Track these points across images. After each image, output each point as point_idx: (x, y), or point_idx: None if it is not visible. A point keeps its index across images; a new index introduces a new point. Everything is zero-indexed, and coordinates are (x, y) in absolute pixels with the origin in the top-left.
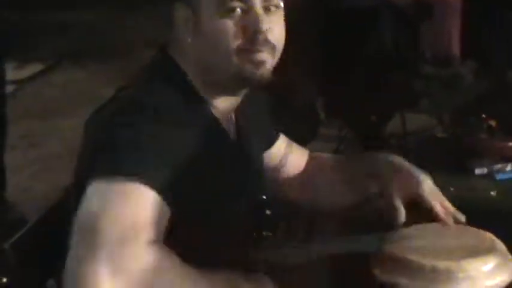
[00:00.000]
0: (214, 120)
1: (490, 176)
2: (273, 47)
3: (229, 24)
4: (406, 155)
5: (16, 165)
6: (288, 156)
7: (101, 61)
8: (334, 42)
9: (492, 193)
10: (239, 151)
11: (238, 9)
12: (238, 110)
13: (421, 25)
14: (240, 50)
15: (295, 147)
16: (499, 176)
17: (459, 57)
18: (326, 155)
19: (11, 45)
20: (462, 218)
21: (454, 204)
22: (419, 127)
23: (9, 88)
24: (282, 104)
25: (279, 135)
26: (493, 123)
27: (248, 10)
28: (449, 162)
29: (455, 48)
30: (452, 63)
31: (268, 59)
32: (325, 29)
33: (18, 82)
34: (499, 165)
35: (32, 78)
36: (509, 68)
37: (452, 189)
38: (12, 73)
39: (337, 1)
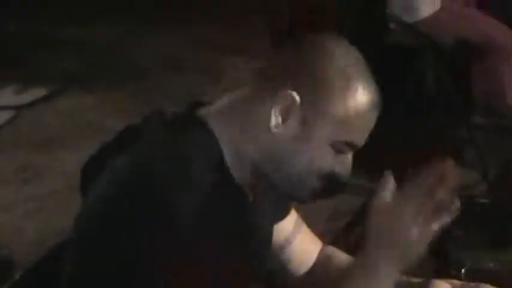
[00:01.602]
0: (244, 199)
1: None
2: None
3: (332, 159)
4: None
5: (8, 203)
6: (295, 235)
7: (111, 86)
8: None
9: None
10: (254, 216)
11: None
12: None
13: (471, 69)
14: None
15: (306, 229)
16: None
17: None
18: (347, 257)
19: (11, 64)
20: None
21: (492, 282)
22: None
23: (6, 115)
24: None
25: (290, 209)
26: None
27: (348, 153)
28: (490, 232)
29: (510, 97)
30: (505, 113)
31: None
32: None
33: (17, 108)
34: None
35: (33, 104)
36: None
37: (491, 264)
38: (11, 98)
39: (378, 37)
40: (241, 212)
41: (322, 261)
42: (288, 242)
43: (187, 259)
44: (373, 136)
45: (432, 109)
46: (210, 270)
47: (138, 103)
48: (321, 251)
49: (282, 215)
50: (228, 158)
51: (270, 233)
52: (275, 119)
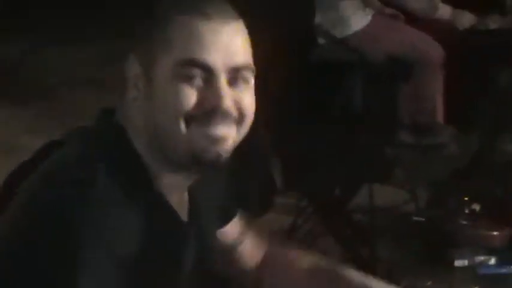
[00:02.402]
0: (161, 199)
1: (471, 269)
2: (237, 121)
3: (186, 91)
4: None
5: None
6: (246, 234)
7: (18, 104)
8: (297, 98)
9: None
10: (188, 232)
11: (198, 78)
12: (195, 184)
13: (400, 87)
14: (193, 120)
15: (252, 233)
16: (481, 270)
17: (442, 125)
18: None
19: None
20: None
21: None
22: (389, 202)
23: None
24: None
25: (236, 211)
26: (476, 207)
27: (211, 81)
28: (426, 250)
29: (439, 115)
30: (434, 131)
31: (230, 135)
32: (287, 82)
33: None
34: (481, 257)
35: None
36: (497, 136)
37: (429, 283)
38: None
39: (304, 52)
40: (167, 220)
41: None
42: (239, 241)
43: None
44: (302, 153)
45: (360, 127)
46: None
47: (49, 121)
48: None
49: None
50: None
51: (213, 241)
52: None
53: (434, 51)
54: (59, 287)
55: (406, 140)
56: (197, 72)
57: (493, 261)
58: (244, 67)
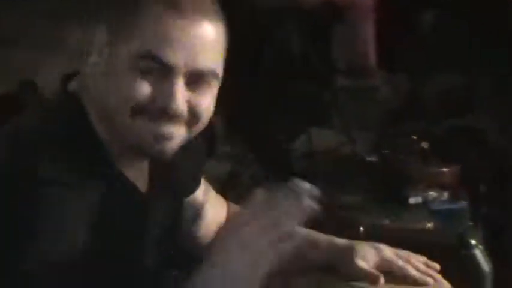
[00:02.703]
0: (117, 172)
1: (425, 206)
2: (188, 123)
3: (139, 84)
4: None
5: None
6: (205, 205)
7: None
8: (234, 46)
9: (429, 225)
10: (149, 204)
11: (155, 73)
12: None
13: (333, 32)
14: (142, 113)
15: (214, 194)
16: (434, 207)
17: (375, 68)
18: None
19: None
20: (436, 266)
21: (388, 239)
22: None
23: None
24: None
25: (201, 180)
26: (425, 145)
27: (167, 79)
28: (380, 190)
29: (372, 59)
30: (367, 74)
31: (177, 135)
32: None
33: None
34: (434, 194)
35: None
36: (427, 78)
37: (387, 221)
38: None
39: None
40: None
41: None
42: (198, 215)
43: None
44: (239, 102)
45: (297, 72)
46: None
47: None
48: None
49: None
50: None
51: (177, 213)
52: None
53: None
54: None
55: (341, 84)
56: (155, 67)
57: (445, 197)
58: (207, 73)
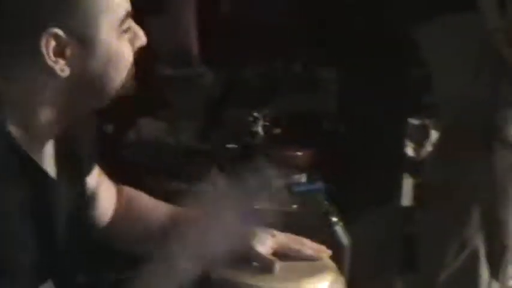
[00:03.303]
0: (27, 158)
1: (287, 188)
2: None
3: (127, 45)
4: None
5: None
6: (100, 186)
7: None
8: None
9: (294, 206)
10: (59, 189)
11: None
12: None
13: (152, 20)
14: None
15: (104, 176)
16: (296, 189)
17: (198, 57)
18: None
19: None
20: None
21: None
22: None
23: None
24: None
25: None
26: (277, 130)
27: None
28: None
29: (194, 47)
30: (191, 63)
31: None
32: None
33: None
34: (295, 176)
35: None
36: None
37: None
38: None
39: None
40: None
41: (125, 205)
42: (93, 196)
43: None
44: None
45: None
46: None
47: None
48: (120, 193)
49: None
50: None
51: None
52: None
53: None
54: None
55: (165, 73)
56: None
57: (304, 179)
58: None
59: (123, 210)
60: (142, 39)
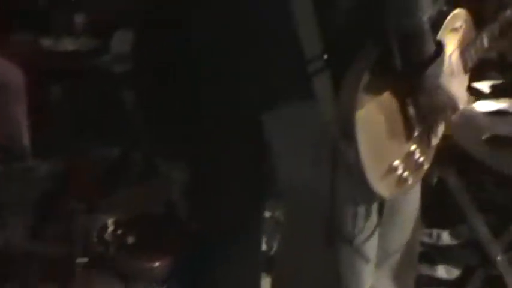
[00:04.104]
0: None
1: None
2: None
3: None
4: None
5: None
6: None
7: None
8: None
9: None
10: None
11: None
12: None
13: None
14: None
15: None
16: None
17: (29, 149)
18: None
19: None
20: None
21: None
22: None
23: None
24: None
25: None
26: (131, 239)
27: None
28: None
29: (25, 139)
30: (21, 155)
31: None
32: None
33: None
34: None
35: None
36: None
37: None
38: None
39: None
40: None
41: None
42: None
43: None
44: None
45: None
46: None
47: None
48: None
49: None
50: None
51: None
52: None
53: (13, 75)
54: None
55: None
56: None
57: None
58: None
59: None
60: None
